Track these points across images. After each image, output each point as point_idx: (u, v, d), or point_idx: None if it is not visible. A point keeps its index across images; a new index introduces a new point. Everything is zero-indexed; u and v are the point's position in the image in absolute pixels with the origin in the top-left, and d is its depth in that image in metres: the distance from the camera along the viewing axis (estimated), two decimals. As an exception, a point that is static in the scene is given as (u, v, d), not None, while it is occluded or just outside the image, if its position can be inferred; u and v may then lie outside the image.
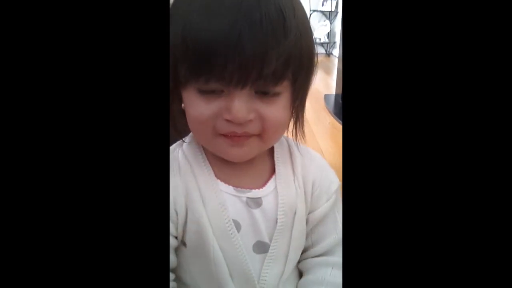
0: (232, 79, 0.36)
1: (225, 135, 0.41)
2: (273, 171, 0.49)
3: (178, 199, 0.44)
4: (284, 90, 0.41)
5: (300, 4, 0.41)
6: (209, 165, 0.46)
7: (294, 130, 0.48)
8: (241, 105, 0.38)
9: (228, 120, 0.39)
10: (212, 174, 0.46)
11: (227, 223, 0.44)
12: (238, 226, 0.45)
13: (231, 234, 0.44)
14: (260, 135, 0.42)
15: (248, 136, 0.41)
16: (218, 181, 0.46)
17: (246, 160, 0.45)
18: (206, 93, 0.39)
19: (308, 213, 0.50)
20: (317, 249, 0.50)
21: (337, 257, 0.50)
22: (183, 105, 0.44)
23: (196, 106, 0.40)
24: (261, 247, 0.46)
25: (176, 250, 0.46)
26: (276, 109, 0.40)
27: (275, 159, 0.49)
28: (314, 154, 0.53)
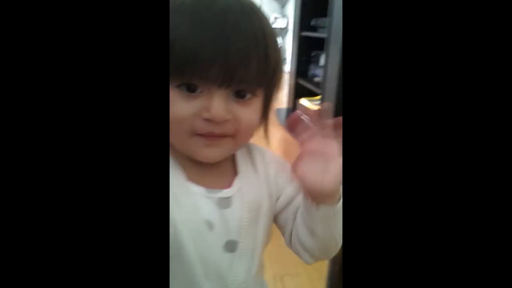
0: (217, 79, 0.40)
1: (201, 135, 0.43)
2: (236, 171, 0.51)
3: None
4: (259, 94, 0.45)
5: (267, 16, 0.46)
6: (180, 167, 0.47)
7: (264, 133, 0.52)
8: (220, 105, 0.41)
9: (206, 120, 0.41)
10: (184, 176, 0.47)
11: (199, 224, 0.45)
12: (210, 226, 0.46)
13: (204, 234, 0.45)
14: (233, 136, 0.45)
15: (223, 136, 0.44)
16: (190, 183, 0.47)
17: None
18: (186, 91, 0.41)
19: (277, 200, 0.52)
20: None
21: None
22: None
23: (176, 105, 0.41)
24: (232, 246, 0.48)
25: None
26: (250, 111, 0.44)
27: (237, 159, 0.51)
28: (270, 151, 0.56)
